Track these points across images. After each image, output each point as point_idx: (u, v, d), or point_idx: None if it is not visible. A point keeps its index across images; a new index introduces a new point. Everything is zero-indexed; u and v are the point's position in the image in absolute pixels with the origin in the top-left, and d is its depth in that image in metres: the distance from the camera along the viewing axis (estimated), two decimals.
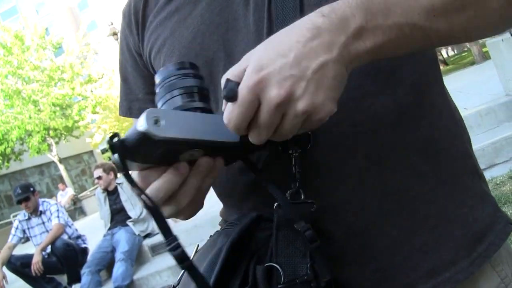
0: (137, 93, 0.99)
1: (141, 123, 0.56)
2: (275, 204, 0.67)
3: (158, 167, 0.64)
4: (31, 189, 6.26)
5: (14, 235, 6.32)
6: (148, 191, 0.62)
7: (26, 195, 6.13)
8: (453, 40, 0.64)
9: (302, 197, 0.69)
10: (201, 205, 0.72)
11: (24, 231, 6.33)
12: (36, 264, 5.82)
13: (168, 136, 0.57)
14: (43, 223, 6.27)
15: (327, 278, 0.65)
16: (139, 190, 0.61)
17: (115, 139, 0.59)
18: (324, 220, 0.72)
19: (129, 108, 1.01)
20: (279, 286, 0.63)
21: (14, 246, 6.26)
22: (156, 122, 0.56)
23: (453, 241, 0.75)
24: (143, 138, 0.57)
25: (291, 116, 0.57)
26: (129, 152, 0.59)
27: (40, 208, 6.28)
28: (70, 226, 6.40)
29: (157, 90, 0.67)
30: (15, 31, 21.04)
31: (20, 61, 20.91)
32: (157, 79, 0.68)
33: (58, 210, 6.28)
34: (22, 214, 6.37)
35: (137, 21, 0.93)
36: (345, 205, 0.73)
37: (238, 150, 0.68)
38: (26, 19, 22.27)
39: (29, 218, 6.28)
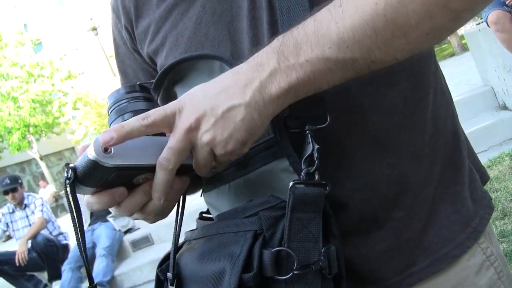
0: None
1: (91, 151, 0.58)
2: (291, 183, 0.62)
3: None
4: (20, 181, 6.31)
5: None
6: (121, 209, 0.67)
7: (15, 186, 6.17)
8: (376, 64, 0.61)
9: (316, 177, 0.65)
10: (172, 207, 0.74)
11: (7, 224, 6.30)
12: (21, 253, 5.80)
13: (117, 164, 0.59)
14: (27, 216, 6.27)
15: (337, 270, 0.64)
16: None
17: (69, 172, 0.61)
18: (333, 206, 0.68)
19: None
20: (294, 272, 0.60)
21: None
22: (106, 150, 0.59)
23: (448, 219, 0.77)
24: (94, 166, 0.59)
25: (198, 146, 0.64)
26: (80, 180, 0.61)
27: (25, 202, 6.31)
28: (52, 222, 6.38)
29: (109, 113, 0.71)
30: None
31: None
32: (109, 101, 0.72)
33: (42, 205, 6.32)
34: (6, 207, 6.37)
35: (127, 15, 0.92)
36: (355, 191, 0.73)
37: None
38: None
39: (13, 211, 6.30)
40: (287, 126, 0.67)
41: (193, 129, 0.62)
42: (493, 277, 0.80)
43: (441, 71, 0.86)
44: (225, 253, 0.64)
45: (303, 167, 0.65)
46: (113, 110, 0.70)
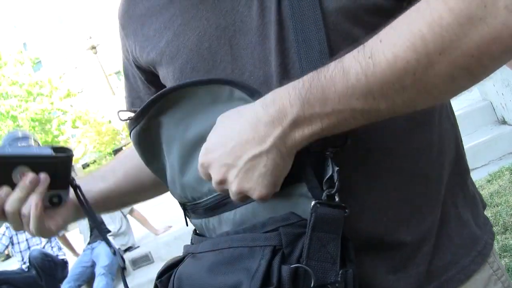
0: (138, 91, 0.99)
1: None
2: (313, 203, 0.63)
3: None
4: None
5: None
6: (7, 207, 0.82)
7: None
8: (397, 113, 0.63)
9: (337, 199, 0.65)
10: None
11: (11, 238, 6.22)
12: None
13: None
14: None
15: None
16: None
17: None
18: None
19: (132, 104, 1.02)
20: None
21: None
22: None
23: (452, 242, 0.77)
24: None
25: (230, 193, 0.67)
26: None
27: None
28: (54, 237, 6.31)
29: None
30: None
31: None
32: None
33: None
34: None
35: (126, 23, 0.92)
36: (364, 212, 0.72)
37: (59, 168, 0.83)
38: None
39: None
40: (308, 149, 0.66)
41: (222, 183, 0.67)
42: None
43: None
44: (240, 267, 0.64)
45: (324, 188, 0.65)
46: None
